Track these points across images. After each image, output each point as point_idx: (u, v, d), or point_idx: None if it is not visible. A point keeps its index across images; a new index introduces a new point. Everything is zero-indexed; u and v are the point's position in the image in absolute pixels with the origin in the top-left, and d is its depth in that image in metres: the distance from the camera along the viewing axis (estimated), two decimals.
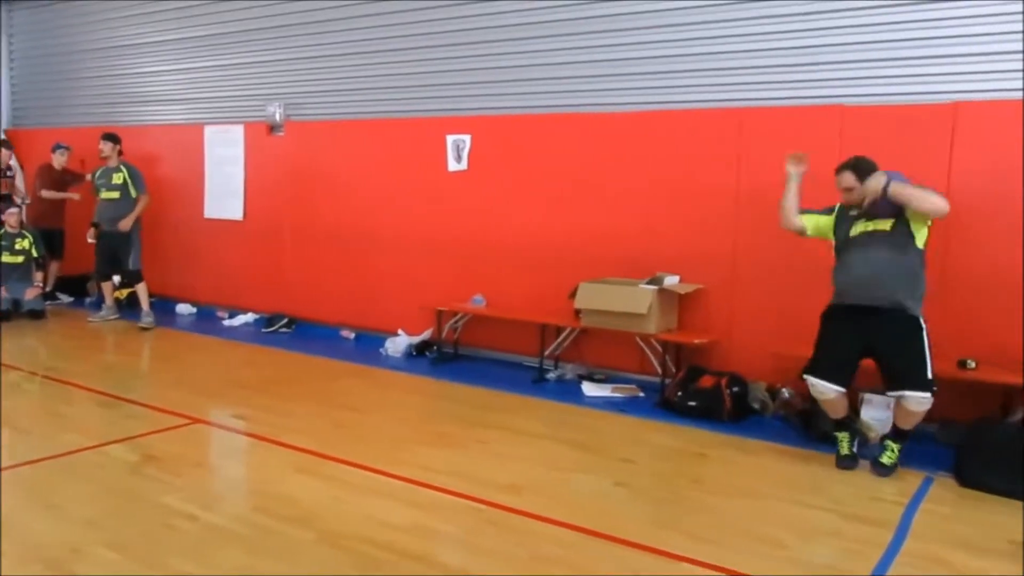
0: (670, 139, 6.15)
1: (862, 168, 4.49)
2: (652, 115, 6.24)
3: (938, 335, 4.92)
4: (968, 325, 5.11)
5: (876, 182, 4.35)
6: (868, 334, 4.41)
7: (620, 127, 6.38)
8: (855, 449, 4.61)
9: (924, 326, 4.36)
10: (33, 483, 4.06)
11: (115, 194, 8.20)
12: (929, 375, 4.30)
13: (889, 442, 4.51)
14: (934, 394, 4.30)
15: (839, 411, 4.59)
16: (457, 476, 4.23)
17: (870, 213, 4.45)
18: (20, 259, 8.60)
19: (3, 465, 4.30)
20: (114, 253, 8.29)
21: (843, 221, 4.62)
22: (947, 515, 3.95)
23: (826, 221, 4.72)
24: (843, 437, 4.62)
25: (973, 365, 4.92)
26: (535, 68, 6.86)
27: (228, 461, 4.79)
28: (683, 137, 6.09)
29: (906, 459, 4.53)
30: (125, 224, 8.13)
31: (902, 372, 4.34)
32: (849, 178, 4.51)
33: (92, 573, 3.09)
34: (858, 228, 4.52)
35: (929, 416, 4.40)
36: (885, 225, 4.41)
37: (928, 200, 4.26)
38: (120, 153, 8.30)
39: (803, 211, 4.79)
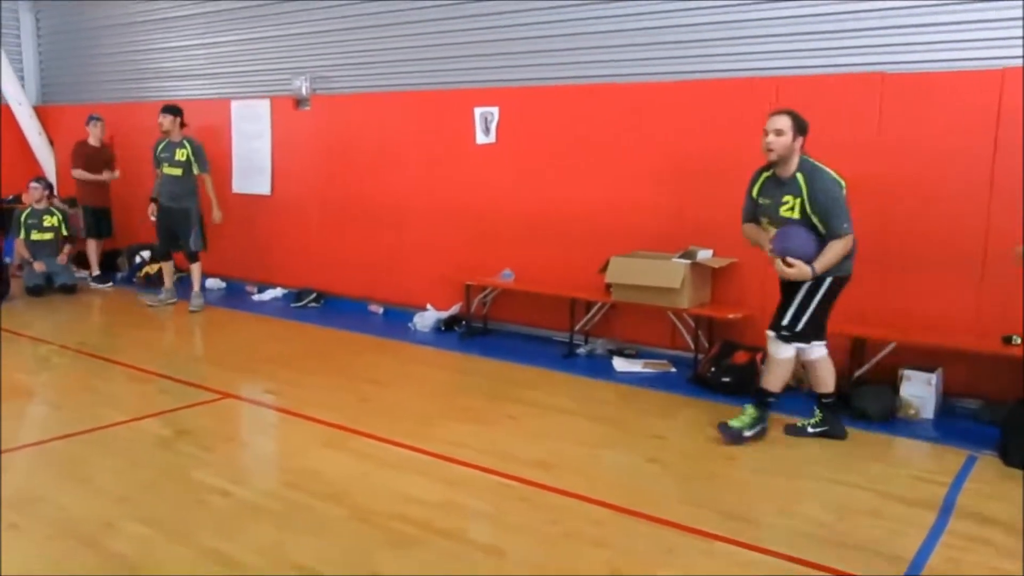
0: (703, 109, 6.00)
1: (799, 120, 4.27)
2: (685, 85, 6.09)
3: (981, 312, 4.80)
4: (1012, 300, 4.93)
5: (802, 273, 4.21)
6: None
7: (652, 97, 6.24)
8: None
9: (824, 280, 4.27)
10: (66, 457, 4.08)
11: (178, 171, 7.81)
12: (785, 321, 4.33)
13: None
14: (783, 339, 4.35)
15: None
16: (487, 452, 4.19)
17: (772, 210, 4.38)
18: (49, 236, 8.66)
19: (36, 440, 4.34)
20: (174, 231, 7.95)
21: (758, 206, 4.51)
22: (991, 495, 3.84)
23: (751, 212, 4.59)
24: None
25: (1018, 341, 4.76)
26: (563, 39, 6.71)
27: (258, 436, 4.79)
28: (717, 107, 5.94)
29: (949, 437, 4.43)
30: (216, 217, 7.90)
31: (777, 314, 4.41)
32: (784, 120, 4.25)
33: (124, 548, 3.09)
34: (768, 228, 4.46)
35: (973, 394, 4.29)
36: (792, 213, 4.30)
37: (839, 253, 4.22)
38: (183, 126, 7.89)
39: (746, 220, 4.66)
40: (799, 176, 4.26)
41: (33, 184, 8.67)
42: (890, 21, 5.33)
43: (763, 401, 4.46)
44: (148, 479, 3.80)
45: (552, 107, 6.75)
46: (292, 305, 8.31)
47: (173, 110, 7.86)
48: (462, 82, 7.33)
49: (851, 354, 5.14)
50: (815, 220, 4.23)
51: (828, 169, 4.26)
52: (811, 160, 4.30)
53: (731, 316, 5.77)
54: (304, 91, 8.36)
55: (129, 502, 3.52)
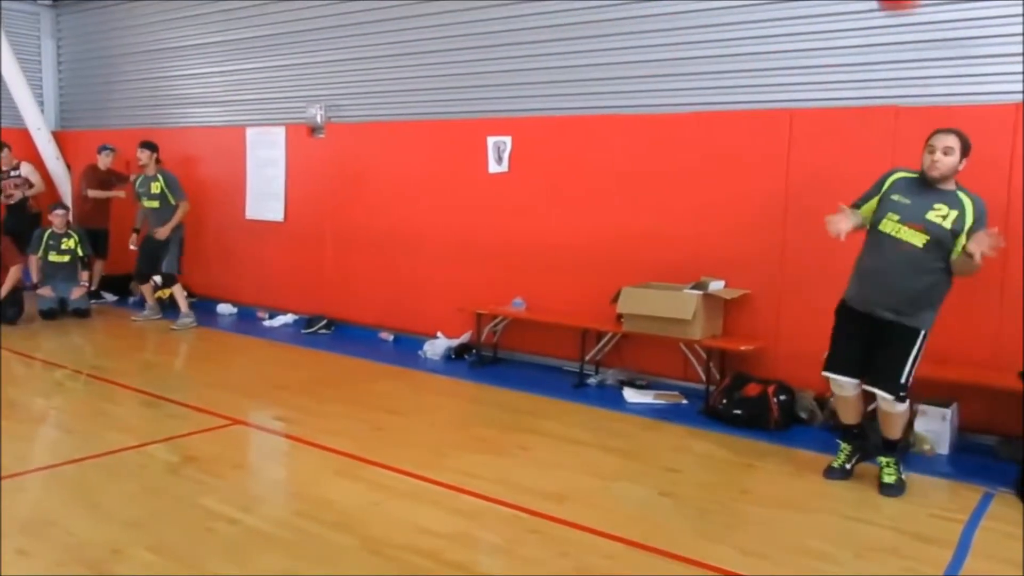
0: (717, 141, 6.02)
1: (965, 140, 4.10)
2: (697, 116, 6.12)
3: (998, 348, 4.76)
4: None
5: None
6: (873, 331, 4.23)
7: (664, 129, 6.27)
8: (849, 466, 4.40)
9: (922, 332, 4.15)
10: (76, 482, 4.07)
11: (155, 203, 8.26)
12: (902, 379, 4.13)
13: (882, 458, 4.32)
14: (900, 400, 4.14)
15: (853, 414, 4.39)
16: (499, 483, 4.16)
17: (912, 210, 4.12)
18: (66, 258, 8.71)
19: (47, 464, 4.34)
20: (154, 256, 8.36)
21: (886, 203, 4.22)
22: (1009, 533, 3.78)
23: (869, 207, 4.30)
24: (844, 449, 4.43)
25: None
26: (577, 69, 6.77)
27: (268, 463, 4.77)
28: (730, 139, 5.96)
29: (964, 474, 4.37)
30: (161, 233, 8.19)
31: (879, 370, 4.19)
32: (953, 139, 4.07)
33: (131, 575, 3.07)
34: (889, 225, 4.17)
35: (989, 430, 4.24)
36: (918, 240, 4.09)
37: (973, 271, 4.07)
38: (158, 161, 8.33)
39: (854, 206, 4.33)
40: (960, 194, 4.10)
41: (59, 211, 8.77)
42: (904, 55, 5.35)
43: (894, 448, 4.34)
44: (157, 505, 3.78)
45: (565, 137, 6.78)
46: (303, 331, 8.31)
47: (150, 145, 8.32)
48: (475, 111, 7.39)
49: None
50: (960, 238, 4.03)
51: None
52: (965, 188, 4.17)
53: (743, 348, 5.74)
54: (319, 119, 8.44)
55: (137, 528, 3.50)
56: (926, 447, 4.79)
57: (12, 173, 9.52)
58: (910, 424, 4.82)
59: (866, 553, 3.50)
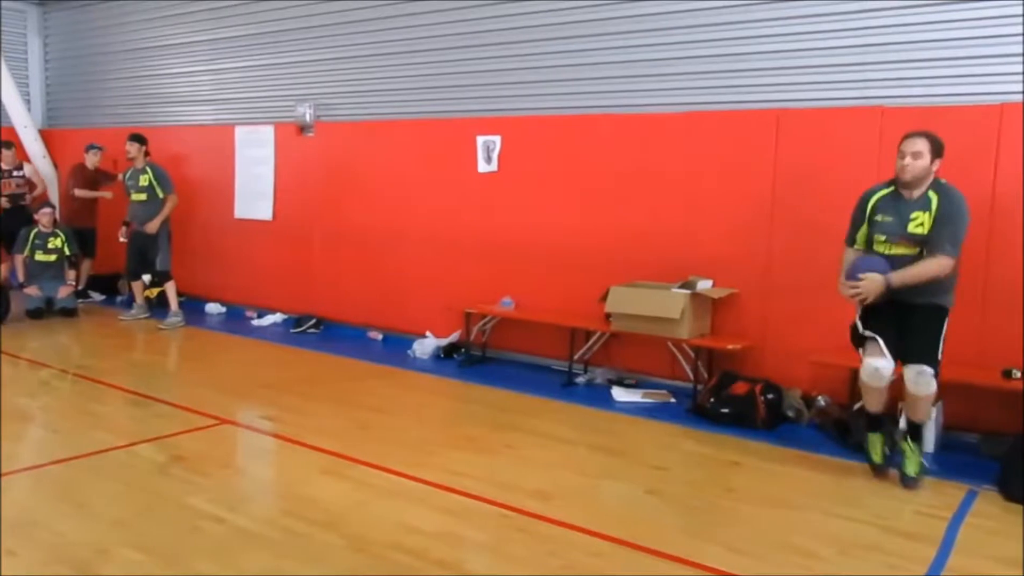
0: (704, 141, 6.04)
1: (936, 142, 4.16)
2: (685, 116, 6.14)
3: (981, 343, 4.80)
4: (1012, 333, 4.94)
5: (876, 285, 4.12)
6: (899, 316, 4.26)
7: (653, 128, 6.28)
8: (888, 453, 4.44)
9: (947, 310, 4.23)
10: (62, 482, 4.06)
11: (143, 196, 8.23)
12: (938, 355, 4.18)
13: (906, 444, 4.33)
14: (936, 375, 4.16)
15: (880, 402, 4.37)
16: (486, 481, 4.16)
17: (895, 227, 4.25)
18: (53, 258, 8.67)
19: (33, 464, 4.32)
20: (143, 253, 8.34)
21: (872, 224, 4.36)
22: (992, 529, 3.81)
23: (863, 233, 4.44)
24: (875, 440, 4.43)
25: (1018, 375, 4.76)
26: (566, 69, 6.78)
27: (255, 462, 4.77)
28: (718, 139, 5.98)
29: (948, 471, 4.40)
30: (151, 227, 8.17)
31: (912, 345, 4.21)
32: (922, 143, 4.15)
33: (117, 575, 3.06)
34: (880, 245, 4.32)
35: (973, 427, 4.27)
36: (910, 252, 4.21)
37: (930, 272, 4.12)
38: (147, 154, 8.31)
39: (851, 243, 4.51)
40: (930, 193, 4.17)
41: (46, 210, 8.73)
42: (890, 56, 5.39)
43: (919, 433, 4.36)
44: (143, 505, 3.77)
45: (554, 137, 6.79)
46: (291, 331, 8.30)
47: (138, 138, 8.29)
48: (465, 111, 7.39)
49: (850, 385, 5.13)
50: (929, 236, 4.13)
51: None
52: (943, 181, 4.23)
53: (731, 347, 5.76)
54: (308, 118, 8.42)
55: (124, 528, 3.49)
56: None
57: (15, 173, 9.46)
58: (895, 422, 4.85)
59: (851, 550, 3.52)
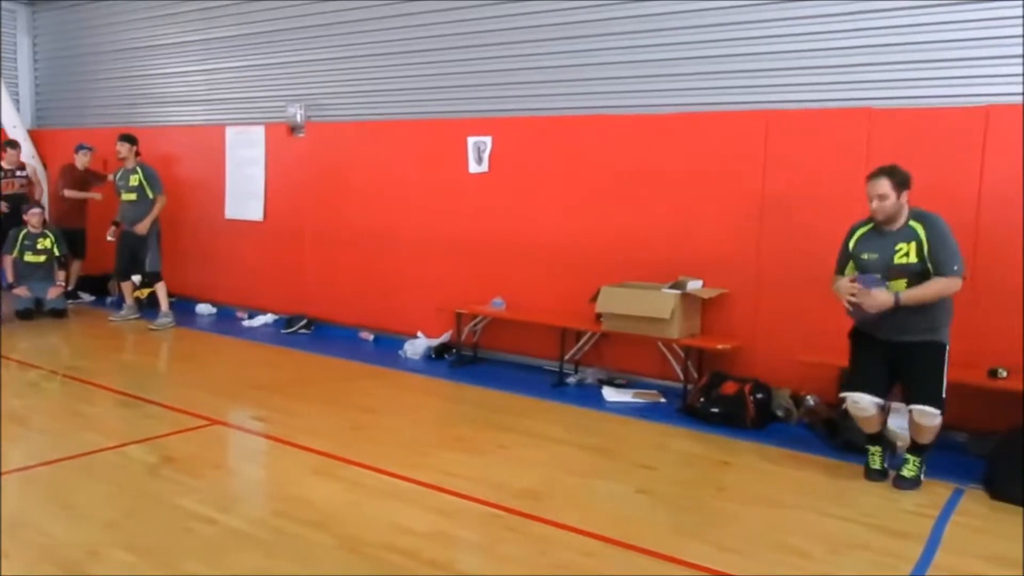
0: (694, 141, 6.07)
1: (898, 176, 4.22)
2: (676, 117, 6.17)
3: (969, 344, 4.83)
4: (999, 333, 4.98)
5: (884, 299, 4.15)
6: (895, 351, 4.31)
7: (643, 129, 6.31)
8: (886, 464, 4.50)
9: (947, 346, 4.26)
10: (51, 483, 4.05)
11: (132, 196, 8.21)
12: (942, 395, 4.21)
13: (909, 455, 4.41)
14: (942, 413, 4.20)
15: (875, 426, 4.48)
16: (477, 481, 4.18)
17: (881, 262, 4.27)
18: (42, 258, 8.63)
19: (22, 465, 4.30)
20: (133, 253, 8.31)
21: (858, 261, 4.39)
22: (978, 528, 3.85)
23: (850, 268, 4.46)
24: (875, 451, 4.50)
25: (1004, 374, 4.80)
26: (557, 70, 6.80)
27: (246, 463, 4.77)
28: (708, 139, 6.01)
29: (936, 470, 4.44)
30: (141, 228, 8.14)
31: (916, 387, 4.27)
32: (884, 185, 4.21)
33: (108, 575, 3.07)
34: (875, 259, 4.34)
35: (959, 426, 4.32)
36: (901, 285, 4.20)
37: (940, 290, 4.14)
38: (137, 154, 8.30)
39: (839, 274, 4.52)
40: (912, 223, 4.22)
41: (35, 210, 8.70)
42: (878, 58, 5.44)
43: (923, 451, 4.39)
44: (134, 506, 3.77)
45: (544, 137, 6.81)
46: (283, 331, 8.29)
47: (129, 139, 8.28)
48: (456, 111, 7.40)
49: (838, 385, 5.16)
50: (930, 264, 4.16)
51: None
52: (919, 209, 4.27)
53: (720, 347, 5.79)
54: (299, 118, 8.42)
55: (114, 529, 3.49)
56: (899, 444, 4.84)
57: (19, 173, 9.41)
58: (884, 422, 4.89)
59: (839, 548, 3.56)
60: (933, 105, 5.22)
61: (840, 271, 4.51)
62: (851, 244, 4.44)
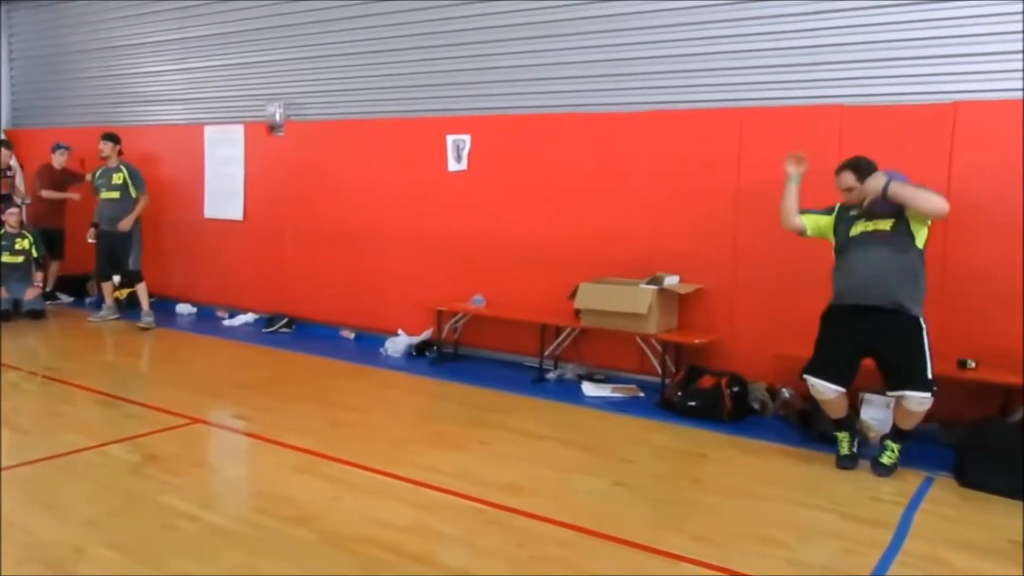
0: (670, 139, 6.15)
1: (862, 168, 4.51)
2: (652, 115, 6.25)
3: (938, 335, 4.92)
4: (968, 325, 5.11)
5: (876, 182, 4.36)
6: (869, 334, 4.41)
7: (620, 127, 6.38)
8: (855, 449, 4.60)
9: (924, 326, 4.36)
10: (33, 483, 4.06)
11: (115, 194, 8.19)
12: (929, 375, 4.30)
13: (889, 442, 4.52)
14: (934, 394, 4.30)
15: (839, 411, 4.59)
16: (458, 476, 4.23)
17: (870, 213, 4.46)
18: (20, 259, 8.59)
19: (3, 465, 4.30)
20: (114, 253, 8.28)
21: (843, 221, 4.63)
22: (947, 515, 3.95)
23: (826, 221, 4.72)
24: (843, 437, 4.61)
25: (973, 365, 4.92)
26: (535, 68, 6.86)
27: (228, 461, 4.79)
28: (683, 137, 6.09)
29: (906, 459, 4.54)
30: (125, 224, 8.12)
31: (903, 372, 4.34)
32: (849, 178, 4.53)
33: (92, 573, 3.09)
34: (858, 228, 4.53)
35: (929, 416, 4.41)
36: (885, 225, 4.42)
37: (929, 200, 4.27)
38: (120, 153, 8.30)
39: (803, 211, 4.78)
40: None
41: (12, 210, 8.66)
42: (848, 56, 5.54)
43: (904, 437, 4.49)
44: (116, 504, 3.79)
45: (523, 135, 6.87)
46: (263, 330, 8.30)
47: (112, 137, 8.30)
48: (435, 110, 7.44)
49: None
50: (911, 219, 4.37)
51: None
52: None
53: (697, 341, 5.88)
54: (278, 117, 8.42)
55: (97, 527, 3.51)
56: (871, 434, 4.95)
57: (7, 173, 9.34)
58: (856, 412, 4.99)
59: (811, 537, 3.65)
60: (903, 102, 5.33)
61: (809, 213, 4.77)
62: (836, 210, 4.69)
